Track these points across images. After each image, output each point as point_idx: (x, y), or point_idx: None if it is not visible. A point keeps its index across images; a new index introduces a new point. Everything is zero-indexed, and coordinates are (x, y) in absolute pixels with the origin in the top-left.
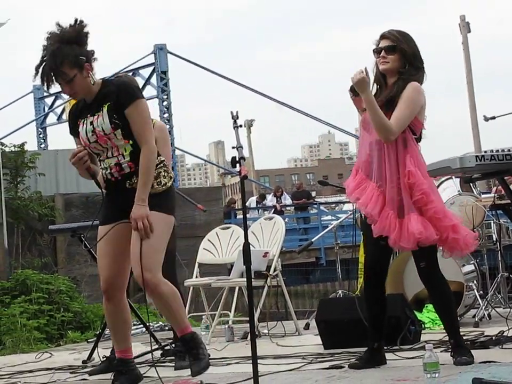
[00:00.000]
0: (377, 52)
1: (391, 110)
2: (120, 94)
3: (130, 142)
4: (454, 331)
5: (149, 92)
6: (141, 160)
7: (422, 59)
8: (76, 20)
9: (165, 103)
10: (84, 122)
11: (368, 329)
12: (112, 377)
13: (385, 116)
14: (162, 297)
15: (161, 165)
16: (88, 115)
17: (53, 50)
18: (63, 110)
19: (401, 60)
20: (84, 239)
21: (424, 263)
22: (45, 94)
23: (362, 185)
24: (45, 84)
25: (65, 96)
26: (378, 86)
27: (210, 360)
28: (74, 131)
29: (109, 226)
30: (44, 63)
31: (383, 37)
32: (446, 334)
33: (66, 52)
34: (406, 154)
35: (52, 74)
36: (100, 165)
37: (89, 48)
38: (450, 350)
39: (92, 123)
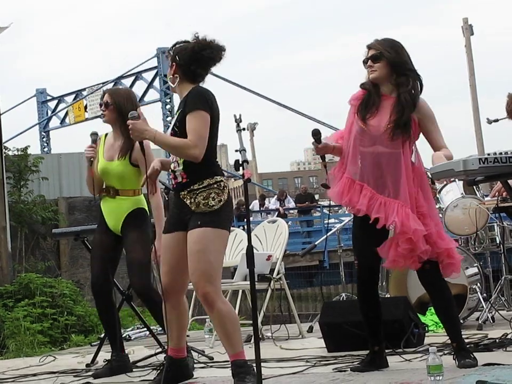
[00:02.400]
0: (365, 62)
1: (405, 133)
2: (186, 102)
3: None
4: (456, 334)
5: (151, 95)
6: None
7: (408, 64)
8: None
9: (168, 106)
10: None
11: (367, 333)
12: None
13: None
14: (219, 314)
15: (215, 186)
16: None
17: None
18: (66, 113)
19: (387, 66)
20: (87, 243)
21: (428, 265)
22: (48, 97)
23: (375, 200)
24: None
25: (69, 100)
26: (367, 96)
27: (213, 363)
28: None
29: (171, 235)
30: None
31: (369, 47)
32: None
33: (173, 47)
34: (412, 173)
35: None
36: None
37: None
38: (453, 353)
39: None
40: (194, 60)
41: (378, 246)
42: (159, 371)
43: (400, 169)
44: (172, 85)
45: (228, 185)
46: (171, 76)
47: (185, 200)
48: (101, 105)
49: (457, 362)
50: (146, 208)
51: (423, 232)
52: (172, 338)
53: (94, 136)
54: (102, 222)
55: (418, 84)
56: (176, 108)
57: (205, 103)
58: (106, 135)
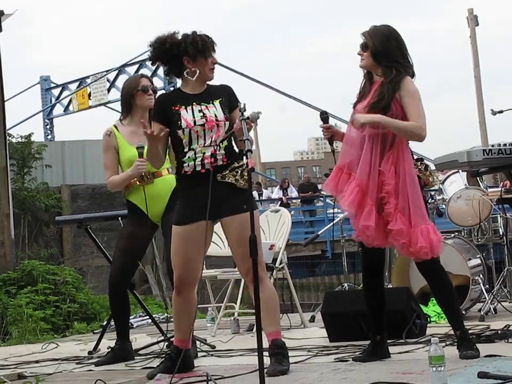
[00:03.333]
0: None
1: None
2: (231, 96)
3: (229, 137)
4: (458, 323)
5: (155, 83)
6: None
7: (392, 55)
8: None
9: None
10: (188, 107)
11: (370, 322)
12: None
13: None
14: (269, 290)
15: (241, 167)
16: (195, 103)
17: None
18: (70, 101)
19: (371, 56)
20: (90, 231)
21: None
22: (52, 85)
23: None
24: (199, 46)
25: (72, 88)
26: (362, 84)
27: (215, 352)
28: (159, 116)
29: (188, 226)
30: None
31: (362, 34)
32: (451, 327)
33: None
34: (389, 151)
35: (211, 43)
36: (187, 156)
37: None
38: (456, 343)
39: (201, 111)
40: (197, 51)
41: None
42: (162, 359)
43: (371, 149)
44: (191, 77)
45: None
46: (190, 70)
47: (226, 179)
48: (146, 89)
49: (459, 353)
50: None
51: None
52: (180, 329)
53: (141, 149)
54: (134, 213)
55: (397, 69)
56: None
57: None
58: (115, 126)
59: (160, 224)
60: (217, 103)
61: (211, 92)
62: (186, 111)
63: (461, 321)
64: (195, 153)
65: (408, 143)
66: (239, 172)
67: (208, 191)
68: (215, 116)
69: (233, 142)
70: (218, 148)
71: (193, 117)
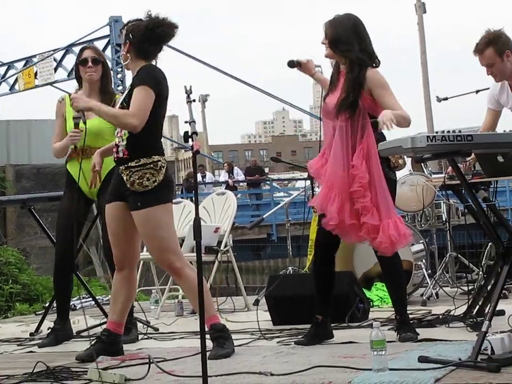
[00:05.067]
0: None
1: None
2: (135, 78)
3: None
4: (401, 307)
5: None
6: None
7: (345, 45)
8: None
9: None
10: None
11: (316, 303)
12: (92, 343)
13: (346, 116)
14: (188, 279)
15: (151, 165)
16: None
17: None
18: (16, 80)
19: (329, 45)
20: (33, 211)
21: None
22: None
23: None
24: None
25: (18, 66)
26: (331, 74)
27: (158, 334)
28: None
29: (112, 205)
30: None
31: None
32: (394, 311)
33: (126, 24)
34: (359, 145)
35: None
36: None
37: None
38: (395, 326)
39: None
40: (147, 37)
41: None
42: (93, 342)
43: (341, 142)
44: (123, 62)
45: (165, 165)
46: (123, 53)
47: (122, 175)
48: (85, 61)
49: (398, 336)
50: None
51: (334, 222)
52: (115, 311)
53: (77, 119)
54: (71, 186)
55: (359, 64)
56: (127, 77)
57: (152, 79)
58: (69, 95)
59: (96, 201)
60: (127, 91)
61: (134, 78)
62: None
63: (404, 306)
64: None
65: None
66: (132, 172)
67: (118, 179)
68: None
69: (139, 136)
70: (121, 139)
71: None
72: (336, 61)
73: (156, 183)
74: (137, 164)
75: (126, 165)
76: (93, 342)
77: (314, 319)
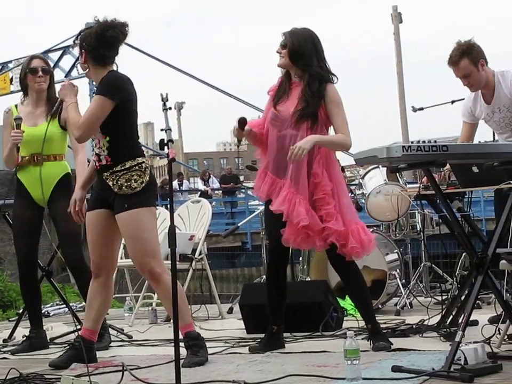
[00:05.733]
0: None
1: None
2: (98, 86)
3: (107, 138)
4: (369, 316)
5: (79, 70)
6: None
7: (306, 60)
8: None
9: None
10: None
11: (269, 314)
12: (65, 350)
13: (307, 125)
14: (166, 286)
15: (137, 167)
16: None
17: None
18: None
19: (288, 56)
20: (8, 217)
21: (335, 248)
22: None
23: (276, 186)
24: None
25: None
26: (281, 83)
27: (132, 342)
28: None
29: (95, 212)
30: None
31: (282, 34)
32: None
33: (81, 35)
34: (317, 155)
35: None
36: None
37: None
38: (367, 335)
39: None
40: (99, 42)
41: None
42: (66, 349)
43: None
44: (83, 71)
45: (149, 165)
46: (81, 63)
47: (107, 181)
48: (35, 71)
49: (371, 345)
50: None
51: (305, 222)
52: (90, 318)
53: (19, 120)
54: (23, 194)
55: (318, 79)
56: None
57: (110, 89)
58: (16, 106)
59: (46, 207)
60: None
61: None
62: None
63: (372, 314)
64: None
65: None
66: (118, 176)
67: (101, 187)
68: None
69: (120, 142)
70: (101, 149)
71: None
72: (287, 71)
73: (143, 184)
74: (122, 168)
75: (111, 171)
76: (66, 349)
77: (269, 329)
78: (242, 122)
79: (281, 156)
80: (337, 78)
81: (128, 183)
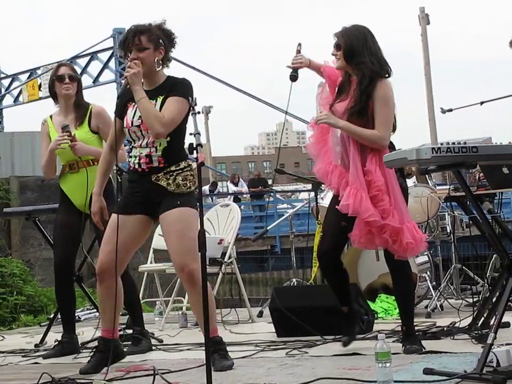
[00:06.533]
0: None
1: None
2: (172, 88)
3: (168, 138)
4: (409, 318)
5: (106, 76)
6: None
7: (359, 56)
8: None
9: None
10: (134, 105)
11: (338, 298)
12: (91, 354)
13: (358, 123)
14: (199, 292)
15: (189, 168)
16: None
17: (143, 24)
18: (20, 92)
19: (343, 56)
20: (38, 223)
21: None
22: (2, 75)
23: (343, 178)
24: (124, 43)
25: (23, 78)
26: (341, 82)
27: (163, 346)
28: (119, 111)
29: (125, 217)
30: (130, 29)
31: (334, 35)
32: (400, 321)
33: (152, 28)
34: (370, 152)
35: (132, 36)
36: (131, 153)
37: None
38: (400, 338)
39: None
40: (170, 45)
41: (348, 220)
42: (92, 353)
43: (356, 149)
44: (157, 68)
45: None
46: (157, 59)
47: (159, 182)
48: (62, 78)
49: (403, 348)
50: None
51: (375, 217)
52: (105, 320)
53: (67, 127)
54: (65, 202)
55: (369, 77)
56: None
57: (189, 93)
58: (51, 116)
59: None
60: (160, 100)
61: (162, 88)
62: (132, 109)
63: (411, 319)
64: (134, 153)
65: None
66: (174, 175)
67: (144, 189)
68: None
69: (176, 143)
70: (155, 150)
71: (133, 117)
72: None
73: (195, 185)
74: (177, 168)
75: (164, 171)
76: (92, 354)
77: (342, 311)
78: (294, 77)
79: (345, 154)
80: (390, 70)
81: (185, 182)
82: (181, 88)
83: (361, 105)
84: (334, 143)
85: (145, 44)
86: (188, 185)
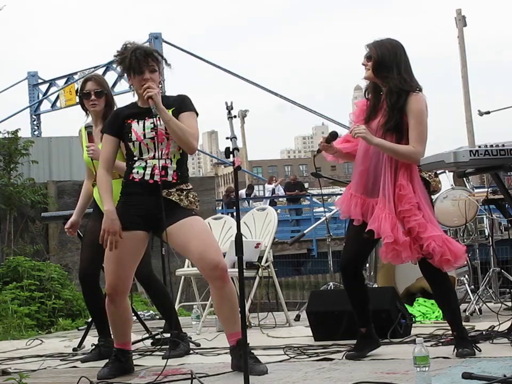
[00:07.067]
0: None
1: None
2: (181, 104)
3: (181, 150)
4: (456, 322)
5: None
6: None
7: (387, 70)
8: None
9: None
10: (140, 120)
11: (355, 315)
12: (107, 361)
13: (394, 139)
14: (231, 288)
15: (193, 190)
16: (147, 117)
17: (145, 45)
18: (57, 97)
19: (372, 67)
20: None
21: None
22: (39, 81)
23: (368, 206)
24: (132, 63)
25: (60, 83)
26: (369, 93)
27: (200, 350)
28: (115, 129)
29: (126, 233)
30: (138, 49)
31: (366, 46)
32: (440, 325)
33: (154, 50)
34: (402, 167)
35: (144, 56)
36: (138, 164)
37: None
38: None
39: (153, 123)
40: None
41: (370, 232)
42: (109, 360)
43: (388, 164)
44: (160, 88)
45: None
46: (160, 80)
47: (171, 197)
48: (89, 95)
49: (455, 351)
50: None
51: (389, 240)
52: (117, 335)
53: (90, 128)
54: (96, 209)
55: (396, 91)
56: (167, 94)
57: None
58: (84, 128)
59: None
60: (169, 113)
61: (165, 104)
62: (138, 123)
63: (459, 320)
64: (146, 163)
65: None
66: (185, 193)
67: (150, 203)
68: (165, 129)
69: (184, 155)
70: (170, 161)
71: (143, 130)
72: (374, 84)
73: (198, 208)
74: (188, 188)
75: (176, 187)
76: (110, 361)
77: (359, 332)
78: (333, 135)
79: (370, 172)
80: (420, 87)
81: (195, 200)
82: (189, 103)
83: (394, 121)
84: (359, 160)
85: (155, 65)
86: (197, 204)
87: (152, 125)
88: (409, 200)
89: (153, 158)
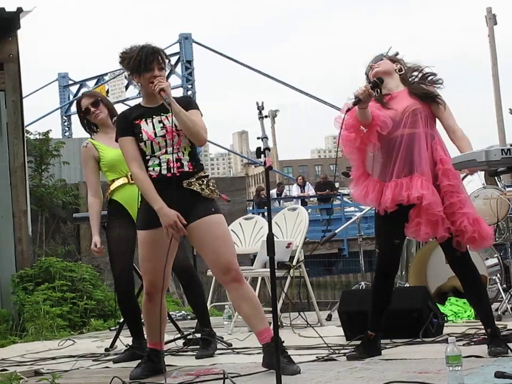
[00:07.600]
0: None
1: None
2: (187, 103)
3: (190, 143)
4: (489, 320)
5: (173, 81)
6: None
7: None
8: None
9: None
10: (148, 120)
11: (370, 317)
12: (140, 362)
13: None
14: (248, 287)
15: (211, 177)
16: (154, 116)
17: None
18: None
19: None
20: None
21: (459, 252)
22: (70, 82)
23: (382, 189)
24: (142, 61)
25: (90, 85)
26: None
27: (232, 350)
28: (125, 131)
29: (153, 232)
30: (144, 47)
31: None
32: (475, 324)
33: (161, 49)
34: (437, 143)
35: (154, 54)
36: (150, 163)
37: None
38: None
39: (161, 121)
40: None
41: (400, 237)
42: (141, 361)
43: (422, 147)
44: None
45: None
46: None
47: (192, 187)
48: (88, 109)
49: (488, 350)
50: None
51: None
52: (152, 334)
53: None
54: (121, 214)
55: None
56: (198, 94)
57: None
58: (92, 139)
59: None
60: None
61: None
62: (147, 123)
63: (492, 319)
64: (159, 159)
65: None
66: (205, 181)
67: (172, 198)
68: (175, 126)
69: (194, 148)
70: (182, 154)
71: (154, 129)
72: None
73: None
74: (205, 174)
75: (196, 176)
76: (142, 361)
77: (366, 335)
78: (380, 80)
79: (393, 159)
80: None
81: (214, 188)
82: (194, 103)
83: (428, 91)
84: (382, 154)
85: (163, 63)
86: (217, 192)
87: (161, 124)
88: (456, 175)
89: (166, 153)
